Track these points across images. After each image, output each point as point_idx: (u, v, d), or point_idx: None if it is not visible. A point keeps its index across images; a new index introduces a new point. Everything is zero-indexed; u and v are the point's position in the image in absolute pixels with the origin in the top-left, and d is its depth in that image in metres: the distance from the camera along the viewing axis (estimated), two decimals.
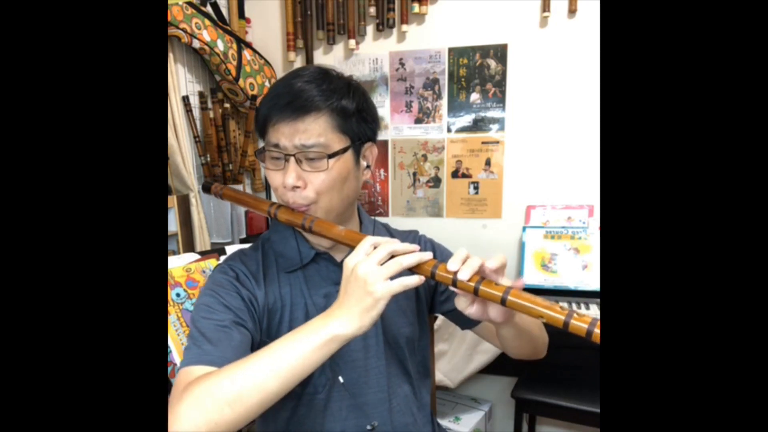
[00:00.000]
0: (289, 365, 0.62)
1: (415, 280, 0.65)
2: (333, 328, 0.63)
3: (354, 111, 0.77)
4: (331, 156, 0.75)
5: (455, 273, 0.65)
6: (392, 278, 0.64)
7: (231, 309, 0.76)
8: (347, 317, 0.63)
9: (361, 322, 0.63)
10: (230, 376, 0.62)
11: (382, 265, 0.64)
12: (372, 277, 0.63)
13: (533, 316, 0.63)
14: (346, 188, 0.79)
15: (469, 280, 0.65)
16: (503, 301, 0.63)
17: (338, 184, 0.77)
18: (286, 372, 0.62)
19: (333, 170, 0.75)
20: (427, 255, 0.67)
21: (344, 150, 0.76)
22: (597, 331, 0.58)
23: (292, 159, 0.75)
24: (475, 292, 0.65)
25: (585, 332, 0.59)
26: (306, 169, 0.75)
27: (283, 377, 0.62)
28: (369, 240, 0.68)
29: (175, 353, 0.98)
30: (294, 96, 0.74)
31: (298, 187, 0.76)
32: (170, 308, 0.99)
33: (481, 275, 0.66)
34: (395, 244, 0.66)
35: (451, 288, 0.67)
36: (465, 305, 0.70)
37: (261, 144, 0.81)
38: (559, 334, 1.74)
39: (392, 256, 0.66)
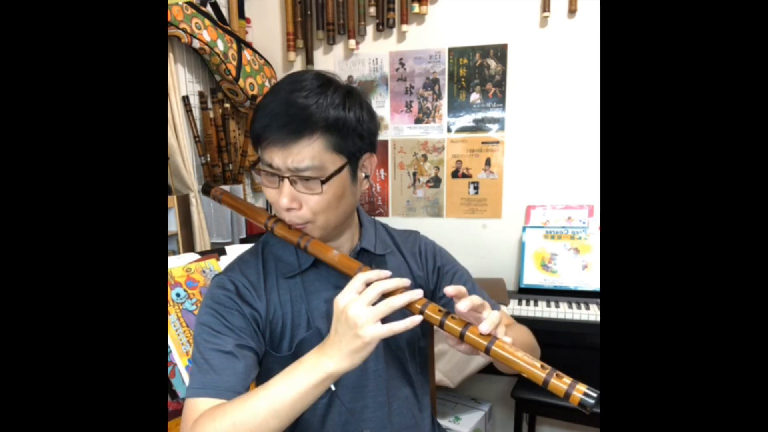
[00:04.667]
0: (288, 405, 0.65)
1: (402, 326, 0.65)
2: (326, 366, 0.66)
3: (351, 128, 0.74)
4: (324, 181, 0.73)
5: (444, 314, 0.67)
6: (383, 319, 0.65)
7: (233, 330, 0.76)
8: (339, 357, 0.65)
9: (352, 361, 0.65)
10: (234, 417, 0.65)
11: (373, 305, 0.65)
12: (362, 320, 0.64)
13: (514, 370, 0.64)
14: (342, 205, 0.78)
15: (457, 324, 0.66)
16: (487, 351, 0.65)
17: (333, 204, 0.76)
18: (286, 411, 0.66)
19: (328, 192, 0.74)
20: (417, 294, 0.67)
21: (339, 170, 0.74)
22: (575, 393, 0.59)
23: (286, 180, 0.74)
24: (461, 337, 0.66)
25: (563, 393, 0.60)
26: (300, 190, 0.74)
27: (282, 416, 0.66)
28: (360, 277, 0.68)
29: (175, 353, 0.98)
30: (288, 118, 0.71)
31: (293, 207, 0.75)
32: (170, 308, 0.99)
33: (468, 321, 0.67)
34: (386, 283, 0.67)
35: (438, 329, 0.68)
36: (454, 343, 0.70)
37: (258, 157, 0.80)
38: (559, 333, 1.72)
39: (384, 294, 0.67)
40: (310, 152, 0.72)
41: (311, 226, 0.77)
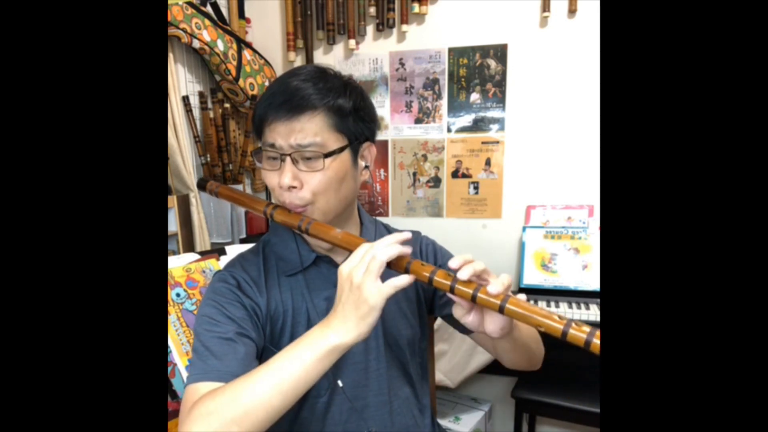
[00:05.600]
0: (292, 380, 0.63)
1: (404, 280, 0.64)
2: (332, 338, 0.64)
3: (351, 110, 0.76)
4: (327, 155, 0.74)
5: (453, 279, 0.65)
6: (385, 278, 0.64)
7: (234, 320, 0.75)
8: (345, 327, 0.64)
9: (359, 330, 0.64)
10: (235, 394, 0.63)
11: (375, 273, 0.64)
12: (365, 283, 0.63)
13: (531, 325, 0.62)
14: (344, 189, 0.78)
15: (468, 287, 0.64)
16: (501, 309, 0.63)
17: (335, 184, 0.76)
18: (289, 386, 0.63)
19: (329, 170, 0.75)
20: (407, 249, 0.66)
21: (341, 149, 0.75)
22: (596, 341, 0.58)
23: (288, 159, 0.74)
24: (473, 299, 0.64)
25: (583, 342, 0.58)
26: (302, 169, 0.75)
27: (286, 392, 0.63)
28: (365, 246, 0.67)
29: (175, 353, 0.98)
30: (290, 95, 0.73)
31: (294, 187, 0.75)
32: (170, 308, 0.99)
33: (479, 283, 0.65)
34: (386, 246, 0.65)
35: (449, 294, 0.67)
36: (462, 314, 0.69)
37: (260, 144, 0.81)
38: None
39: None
40: (312, 128, 0.73)
41: (311, 208, 0.77)
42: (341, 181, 0.77)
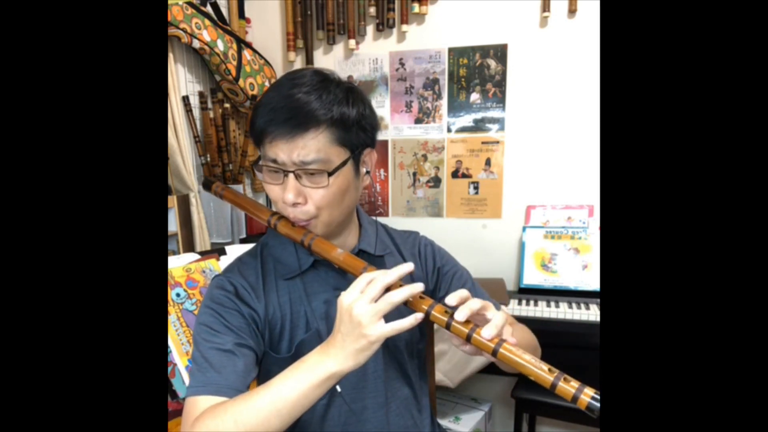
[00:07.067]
0: (290, 403, 0.65)
1: (407, 323, 0.65)
2: (329, 366, 0.65)
3: (354, 121, 0.75)
4: (331, 173, 0.74)
5: (450, 316, 0.66)
6: (387, 315, 0.65)
7: (232, 330, 0.76)
8: (343, 356, 0.65)
9: (356, 361, 0.65)
10: (234, 416, 0.65)
11: (375, 302, 0.65)
12: (366, 319, 0.63)
13: (522, 372, 0.64)
14: (346, 200, 0.78)
15: (464, 326, 0.66)
16: (494, 353, 0.65)
17: (339, 198, 0.76)
18: (287, 410, 0.65)
19: (333, 186, 0.75)
20: (417, 287, 0.67)
21: (344, 163, 0.75)
22: (583, 398, 0.60)
23: (291, 175, 0.74)
24: (468, 338, 0.66)
25: (571, 397, 0.60)
26: (306, 185, 0.74)
27: (284, 415, 0.65)
28: (366, 277, 0.67)
29: (175, 353, 0.98)
30: (292, 112, 0.72)
31: (298, 203, 0.75)
32: (170, 308, 0.99)
33: (476, 322, 0.67)
34: (388, 276, 0.66)
35: (445, 330, 0.68)
36: (459, 343, 0.70)
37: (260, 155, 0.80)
38: (559, 334, 1.72)
39: (388, 289, 0.66)
40: (315, 145, 0.72)
41: (315, 221, 0.77)
42: (344, 194, 0.77)
